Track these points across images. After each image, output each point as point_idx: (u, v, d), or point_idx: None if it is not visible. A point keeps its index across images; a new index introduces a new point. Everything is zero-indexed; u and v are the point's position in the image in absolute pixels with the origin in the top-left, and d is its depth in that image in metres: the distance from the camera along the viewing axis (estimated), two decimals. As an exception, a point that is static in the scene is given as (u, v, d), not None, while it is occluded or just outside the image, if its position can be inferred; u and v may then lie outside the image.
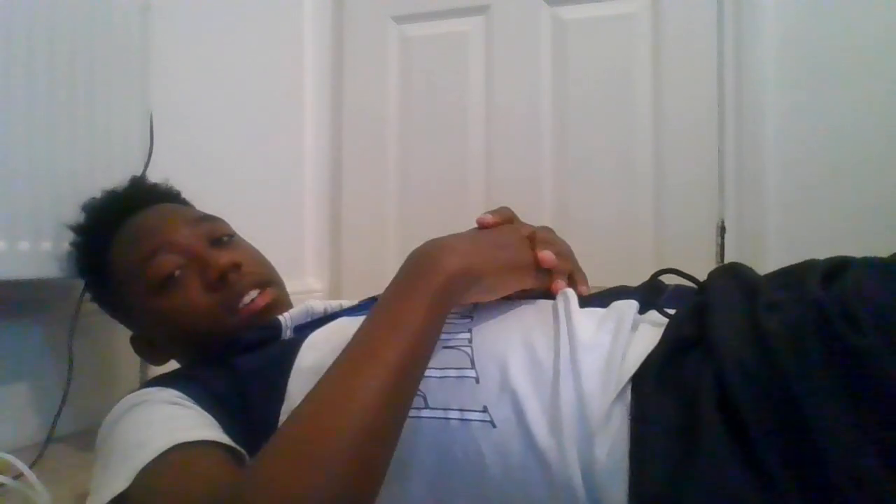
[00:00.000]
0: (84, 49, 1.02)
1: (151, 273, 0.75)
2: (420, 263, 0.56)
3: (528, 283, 0.64)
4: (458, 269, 0.56)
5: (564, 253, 0.71)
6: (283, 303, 0.80)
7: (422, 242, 0.59)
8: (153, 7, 1.17)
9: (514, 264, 0.63)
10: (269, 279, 0.80)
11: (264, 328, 0.73)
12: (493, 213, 0.68)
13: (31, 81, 0.94)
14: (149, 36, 1.16)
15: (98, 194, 0.93)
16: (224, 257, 0.76)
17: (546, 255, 0.65)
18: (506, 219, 0.69)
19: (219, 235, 0.80)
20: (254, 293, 0.76)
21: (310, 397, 0.48)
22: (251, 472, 0.46)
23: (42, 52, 0.95)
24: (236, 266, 0.76)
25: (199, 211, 0.86)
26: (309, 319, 0.76)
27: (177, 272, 0.75)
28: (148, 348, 0.84)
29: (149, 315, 0.78)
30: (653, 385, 0.52)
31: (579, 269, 0.74)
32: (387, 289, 0.56)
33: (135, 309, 0.81)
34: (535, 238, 0.68)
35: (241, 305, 0.75)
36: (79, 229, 0.91)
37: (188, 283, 0.75)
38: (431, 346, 0.54)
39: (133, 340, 0.86)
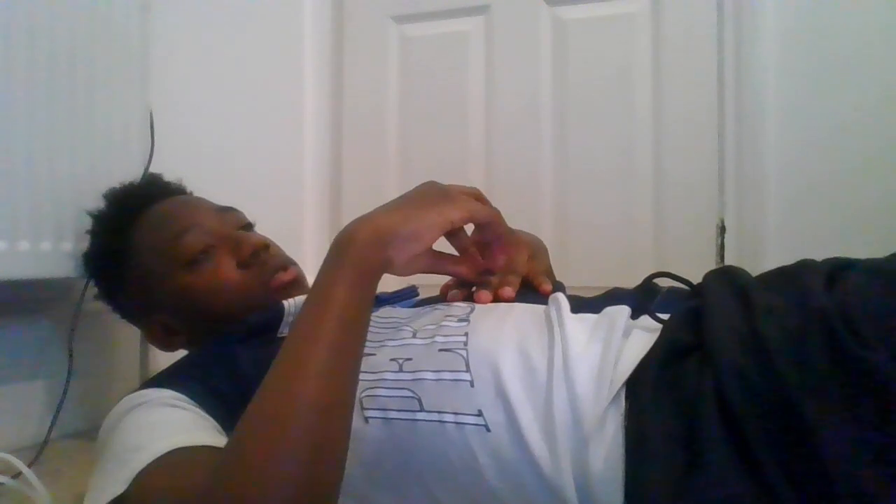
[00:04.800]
0: (84, 48, 1.02)
1: (183, 249, 0.79)
2: (338, 241, 0.57)
3: (455, 216, 0.61)
4: (369, 235, 0.57)
5: (517, 261, 0.74)
6: (304, 284, 0.84)
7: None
8: (153, 6, 1.17)
9: (428, 205, 0.61)
10: (292, 261, 0.85)
11: (268, 313, 0.74)
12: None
13: (31, 81, 0.94)
14: (149, 35, 1.16)
15: (103, 193, 0.94)
16: (254, 237, 0.82)
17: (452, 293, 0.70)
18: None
19: (244, 224, 0.86)
20: (281, 272, 0.81)
21: (261, 391, 0.51)
22: (216, 474, 0.48)
23: (42, 52, 0.95)
24: (266, 246, 0.81)
25: (218, 204, 0.89)
26: None
27: (209, 249, 0.79)
28: (162, 334, 0.85)
29: (175, 293, 0.80)
30: (650, 391, 0.52)
31: (538, 270, 0.76)
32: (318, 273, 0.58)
33: (158, 289, 0.81)
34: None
35: (273, 280, 0.79)
36: (99, 215, 0.92)
37: (220, 260, 0.79)
38: (363, 316, 0.56)
39: (148, 326, 0.86)
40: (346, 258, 0.56)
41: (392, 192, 0.63)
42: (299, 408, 0.48)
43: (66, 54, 0.99)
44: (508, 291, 0.70)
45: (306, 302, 0.55)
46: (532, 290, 0.73)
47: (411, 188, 0.64)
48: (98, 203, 0.93)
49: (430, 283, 0.76)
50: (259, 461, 0.46)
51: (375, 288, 0.58)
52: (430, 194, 0.62)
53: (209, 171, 1.05)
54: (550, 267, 0.84)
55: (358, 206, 0.64)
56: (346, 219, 0.59)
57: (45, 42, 0.95)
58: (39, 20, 0.95)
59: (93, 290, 0.95)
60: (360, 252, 0.56)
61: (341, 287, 0.54)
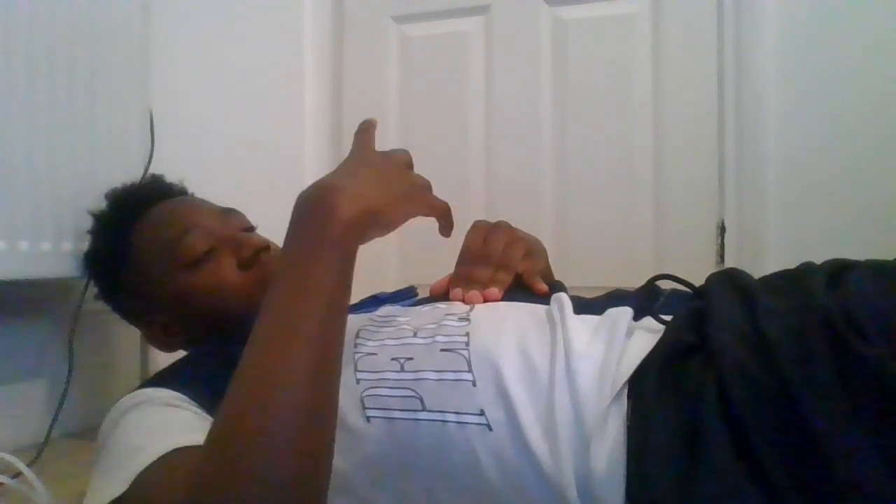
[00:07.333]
0: (84, 48, 1.02)
1: (184, 250, 0.78)
2: (314, 213, 0.52)
3: (421, 211, 0.61)
4: (355, 213, 0.52)
5: (513, 257, 0.73)
6: None
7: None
8: (153, 6, 1.18)
9: (403, 196, 0.58)
10: None
11: None
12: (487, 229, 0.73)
13: (31, 81, 0.94)
14: (149, 35, 1.16)
15: (104, 193, 0.94)
16: (256, 238, 0.81)
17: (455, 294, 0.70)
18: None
19: (246, 226, 0.85)
20: None
21: (235, 388, 0.47)
22: (193, 482, 0.45)
23: (42, 52, 0.95)
24: (267, 247, 0.80)
25: (220, 206, 0.89)
26: None
27: (210, 250, 0.79)
28: (162, 334, 0.85)
29: (175, 294, 0.80)
30: (652, 390, 0.52)
31: (534, 269, 0.75)
32: (285, 245, 0.53)
33: (159, 290, 0.81)
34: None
35: None
36: (100, 215, 0.92)
37: (221, 261, 0.79)
38: (346, 302, 0.52)
39: (147, 326, 0.86)
40: (328, 235, 0.50)
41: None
42: (283, 419, 0.44)
43: (66, 54, 0.99)
44: (494, 293, 0.68)
45: (282, 284, 0.50)
46: (525, 290, 0.72)
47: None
48: (98, 203, 0.93)
49: (430, 283, 0.76)
50: (243, 470, 0.43)
51: (353, 265, 0.52)
52: (399, 178, 0.59)
53: (209, 172, 1.05)
54: (549, 268, 0.84)
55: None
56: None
57: (45, 42, 0.95)
58: (39, 20, 0.95)
59: (93, 290, 0.95)
60: (347, 231, 0.51)
61: (326, 269, 0.50)
